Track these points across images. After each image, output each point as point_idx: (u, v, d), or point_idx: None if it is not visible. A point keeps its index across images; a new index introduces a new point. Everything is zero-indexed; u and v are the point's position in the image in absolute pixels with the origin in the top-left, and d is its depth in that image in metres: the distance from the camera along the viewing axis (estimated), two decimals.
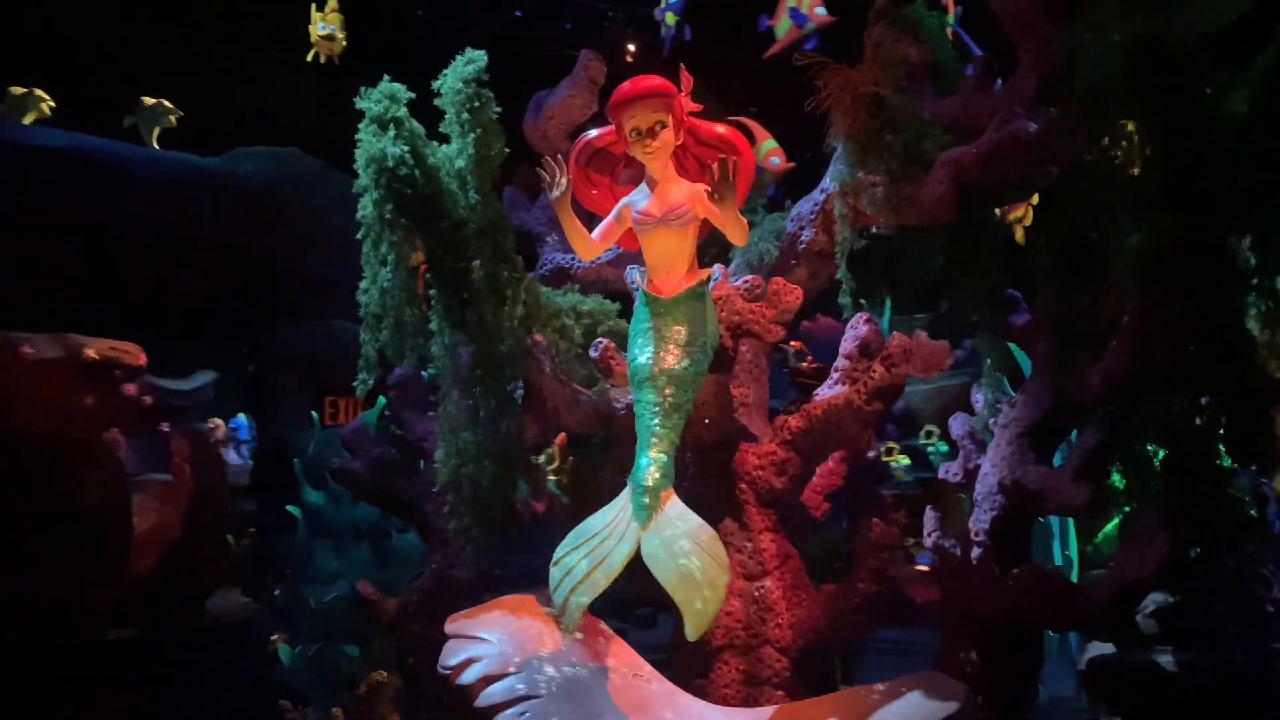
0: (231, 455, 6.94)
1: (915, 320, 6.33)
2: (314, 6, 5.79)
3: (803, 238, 4.27)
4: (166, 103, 7.46)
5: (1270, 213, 3.10)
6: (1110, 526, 4.84)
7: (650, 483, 3.26)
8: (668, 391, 3.39)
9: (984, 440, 3.89)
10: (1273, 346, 3.15)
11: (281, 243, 6.91)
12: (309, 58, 5.76)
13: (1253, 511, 3.64)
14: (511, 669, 3.40)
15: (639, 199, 3.58)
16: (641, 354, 3.47)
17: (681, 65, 3.64)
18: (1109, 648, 3.93)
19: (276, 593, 5.08)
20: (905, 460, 6.94)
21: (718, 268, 4.09)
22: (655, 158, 3.50)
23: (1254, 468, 3.38)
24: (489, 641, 3.50)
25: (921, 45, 4.13)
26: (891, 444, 7.02)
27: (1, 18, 6.82)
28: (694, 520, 3.22)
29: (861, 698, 3.23)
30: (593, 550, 3.26)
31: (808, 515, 4.18)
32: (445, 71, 4.13)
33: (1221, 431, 3.08)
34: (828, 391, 3.87)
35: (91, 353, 6.01)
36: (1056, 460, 3.69)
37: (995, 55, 4.05)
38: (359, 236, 3.99)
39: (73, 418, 5.81)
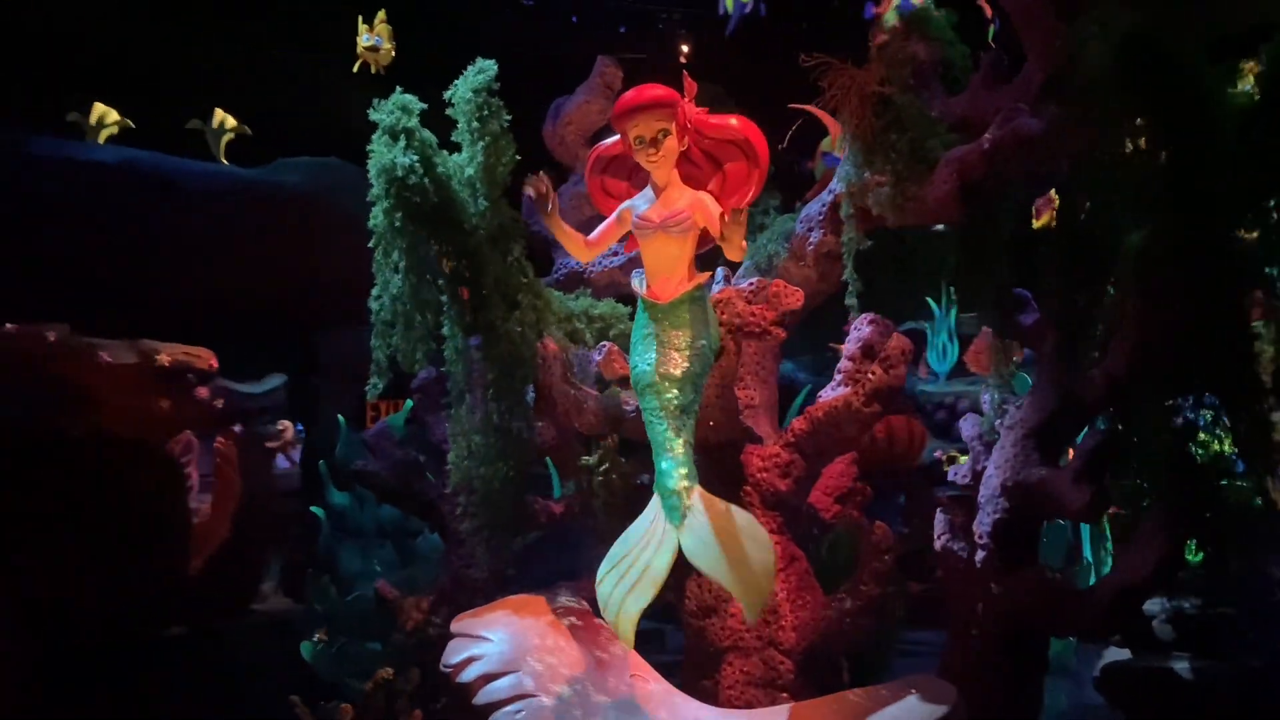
0: (280, 460, 7.13)
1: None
2: (360, 19, 5.93)
3: (811, 239, 4.26)
4: (231, 119, 7.71)
5: (1275, 208, 3.02)
6: None
7: (676, 485, 3.29)
8: (670, 395, 3.42)
9: (992, 442, 3.84)
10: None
11: (323, 250, 7.08)
12: (355, 69, 5.90)
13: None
14: (510, 668, 3.48)
15: (641, 203, 3.61)
16: (642, 360, 3.50)
17: (685, 73, 3.66)
18: (1125, 654, 3.87)
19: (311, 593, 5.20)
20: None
21: (720, 270, 4.12)
22: (658, 166, 3.53)
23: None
24: (490, 640, 3.57)
25: (929, 43, 4.10)
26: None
27: (70, 37, 7.17)
28: (721, 506, 3.23)
29: (854, 701, 3.23)
30: (635, 561, 3.28)
31: (817, 517, 4.17)
32: (457, 81, 4.22)
33: (1221, 432, 3.00)
34: (831, 393, 3.86)
35: (165, 358, 6.26)
36: (1063, 463, 3.63)
37: (1006, 51, 4.02)
38: (370, 245, 4.10)
39: (147, 421, 6.06)
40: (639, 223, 3.56)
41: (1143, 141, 3.04)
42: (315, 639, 4.92)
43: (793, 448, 3.89)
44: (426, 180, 4.03)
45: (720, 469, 3.98)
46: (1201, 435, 3.01)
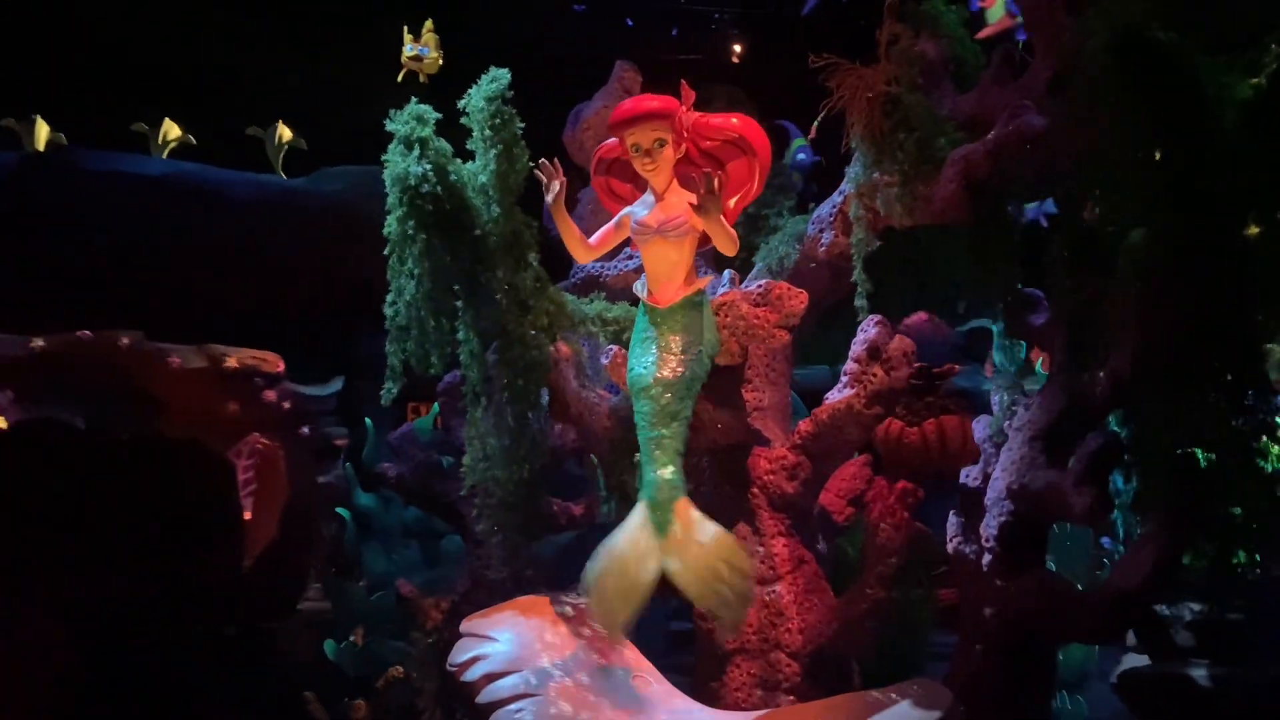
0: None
1: None
2: (405, 29, 6.05)
3: (823, 240, 4.24)
4: (289, 132, 7.92)
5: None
6: None
7: (661, 497, 3.32)
8: (664, 400, 3.44)
9: (1001, 444, 3.78)
10: None
11: (363, 256, 7.23)
12: (400, 78, 6.02)
13: None
14: (514, 668, 3.53)
15: (640, 209, 3.64)
16: (639, 363, 3.53)
17: (683, 81, 3.67)
18: (1144, 659, 3.78)
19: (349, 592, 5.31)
20: None
21: (727, 272, 4.13)
22: (655, 174, 3.55)
23: None
24: (496, 641, 3.63)
25: (939, 41, 4.06)
26: None
27: (128, 53, 7.46)
28: (710, 531, 3.25)
29: (850, 704, 3.21)
30: (623, 572, 3.30)
31: (828, 519, 4.15)
32: (471, 90, 4.29)
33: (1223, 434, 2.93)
34: (837, 395, 3.84)
35: (233, 362, 6.45)
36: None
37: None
38: (385, 252, 4.19)
39: (217, 424, 6.25)
40: (637, 228, 3.58)
41: (1140, 138, 2.97)
42: (353, 638, 5.04)
43: (799, 450, 3.88)
44: (439, 188, 4.11)
45: (728, 471, 4.00)
46: (1204, 438, 2.92)
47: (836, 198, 4.22)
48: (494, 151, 4.21)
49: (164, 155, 7.48)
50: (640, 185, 3.73)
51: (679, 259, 3.55)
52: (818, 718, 3.29)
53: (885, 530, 3.68)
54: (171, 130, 7.62)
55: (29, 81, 7.12)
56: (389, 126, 4.24)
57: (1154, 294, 3.03)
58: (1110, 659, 4.18)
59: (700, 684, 3.93)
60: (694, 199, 3.43)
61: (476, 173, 4.27)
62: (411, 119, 4.23)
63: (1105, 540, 4.77)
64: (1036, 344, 3.82)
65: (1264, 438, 2.95)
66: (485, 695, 3.46)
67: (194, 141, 7.53)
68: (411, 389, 6.77)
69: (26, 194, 6.82)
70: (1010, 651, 3.39)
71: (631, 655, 3.69)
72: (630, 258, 4.95)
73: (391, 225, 4.17)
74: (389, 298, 4.19)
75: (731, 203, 3.63)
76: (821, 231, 4.24)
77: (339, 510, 5.06)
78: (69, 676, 5.05)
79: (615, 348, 3.99)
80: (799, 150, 4.66)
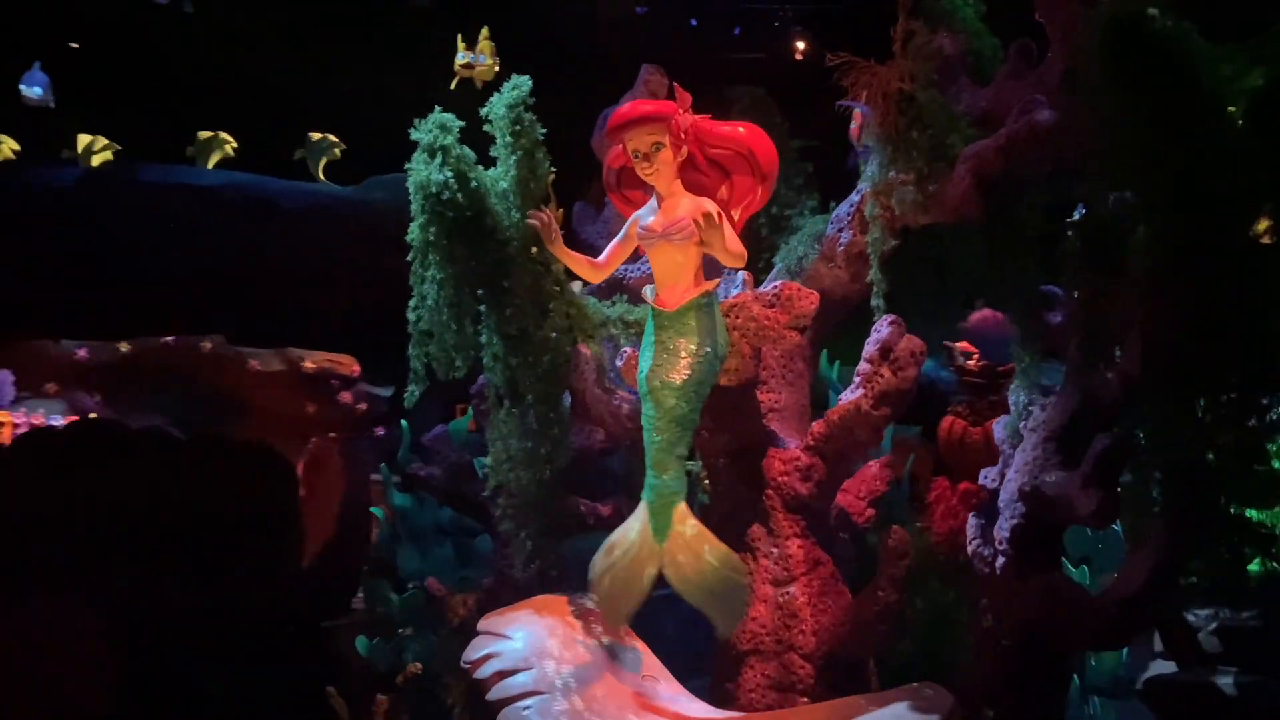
0: None
1: None
2: (459, 37, 6.17)
3: (841, 240, 4.21)
4: (331, 136, 8.13)
5: None
6: None
7: (661, 501, 3.41)
8: (669, 404, 3.48)
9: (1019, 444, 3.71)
10: None
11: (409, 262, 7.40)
12: (453, 86, 6.14)
13: None
14: (525, 666, 3.59)
15: (645, 214, 3.67)
16: (645, 367, 3.57)
17: (676, 84, 3.69)
18: (1171, 666, 3.68)
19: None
20: None
21: (741, 274, 4.13)
22: (654, 178, 3.59)
23: None
24: (509, 639, 3.70)
25: (955, 36, 4.00)
26: None
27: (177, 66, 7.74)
28: (706, 541, 3.37)
29: (849, 706, 3.20)
30: (623, 568, 3.45)
31: (848, 521, 4.12)
32: (492, 98, 4.37)
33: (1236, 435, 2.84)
34: (850, 395, 3.81)
35: (310, 365, 6.68)
36: None
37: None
38: (409, 259, 4.29)
39: (295, 425, 6.47)
40: (642, 233, 3.62)
41: (1138, 132, 2.89)
42: (400, 633, 5.16)
43: (813, 451, 3.87)
44: (460, 195, 4.19)
45: (743, 473, 4.00)
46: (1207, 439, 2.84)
47: (854, 197, 4.19)
48: (514, 158, 4.29)
49: (210, 164, 7.75)
50: (649, 190, 3.77)
51: (685, 262, 3.57)
52: (819, 718, 3.28)
53: (897, 533, 3.64)
54: (212, 142, 7.89)
55: (88, 99, 7.43)
56: (414, 135, 4.34)
57: (1158, 293, 2.94)
58: (1140, 665, 4.08)
59: (716, 685, 3.95)
60: (696, 211, 3.45)
61: (498, 179, 4.35)
62: (435, 127, 4.32)
63: None
64: (1054, 342, 3.72)
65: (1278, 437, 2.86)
66: (496, 692, 3.53)
67: (232, 153, 7.78)
68: (463, 391, 6.92)
69: (88, 206, 7.13)
70: (1021, 657, 3.33)
71: (643, 656, 3.72)
72: None
73: (414, 232, 4.26)
74: (411, 302, 4.29)
75: (735, 214, 3.66)
76: (840, 231, 4.22)
77: (373, 510, 5.18)
78: (143, 671, 5.28)
79: (629, 350, 4.03)
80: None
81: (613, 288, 4.91)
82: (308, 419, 6.27)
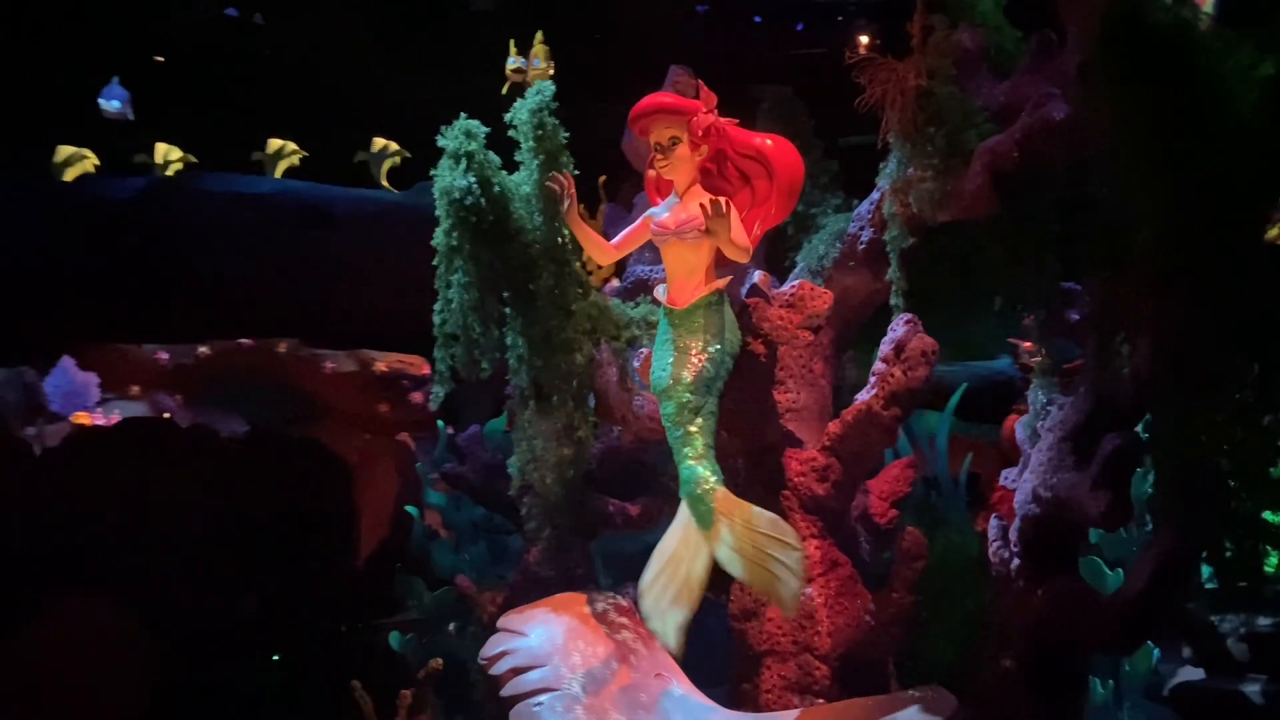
0: None
1: None
2: (512, 42, 6.27)
3: (862, 238, 4.18)
4: (393, 144, 8.32)
5: None
6: None
7: (700, 491, 3.42)
8: (683, 400, 3.51)
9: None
10: None
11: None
12: (504, 91, 6.24)
13: None
14: (539, 663, 3.66)
15: (661, 210, 3.72)
16: (658, 366, 3.61)
17: (701, 82, 3.72)
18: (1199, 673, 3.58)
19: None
20: None
21: (756, 273, 4.12)
22: (669, 172, 3.63)
23: None
24: (526, 636, 3.77)
25: (974, 30, 3.94)
26: None
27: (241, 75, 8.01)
28: (752, 511, 3.34)
29: (852, 710, 3.18)
30: (675, 570, 3.42)
31: (871, 522, 4.08)
32: (517, 103, 4.44)
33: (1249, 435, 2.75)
34: (865, 395, 3.78)
35: (382, 365, 6.89)
36: None
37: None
38: (434, 263, 4.38)
39: (368, 424, 6.66)
40: (655, 229, 3.66)
41: (1141, 125, 2.82)
42: (451, 628, 5.27)
43: (829, 451, 3.85)
44: (483, 200, 4.27)
45: (761, 473, 4.00)
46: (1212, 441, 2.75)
47: (875, 195, 4.15)
48: (536, 162, 4.35)
49: (277, 174, 7.98)
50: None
51: (697, 261, 3.60)
52: None
53: (910, 534, 3.61)
54: (286, 147, 8.12)
55: (161, 108, 7.71)
56: (440, 142, 4.43)
57: (1167, 290, 2.87)
58: (1170, 671, 3.97)
59: (735, 685, 3.96)
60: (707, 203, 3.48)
61: (520, 183, 4.41)
62: (461, 134, 4.41)
63: None
64: (1075, 340, 3.65)
65: None
66: (510, 688, 3.61)
67: (298, 162, 8.00)
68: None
69: (161, 213, 7.40)
70: (1030, 661, 3.27)
71: (658, 655, 3.75)
72: None
73: (438, 237, 4.35)
74: (437, 305, 4.37)
75: (756, 228, 3.67)
76: (861, 229, 4.18)
77: (408, 508, 5.30)
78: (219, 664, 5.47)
79: (646, 350, 4.06)
80: None
81: (638, 288, 4.94)
82: (380, 419, 6.42)
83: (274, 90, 8.14)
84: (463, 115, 4.44)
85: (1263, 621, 3.47)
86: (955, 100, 3.77)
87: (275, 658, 5.92)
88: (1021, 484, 3.47)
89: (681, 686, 3.64)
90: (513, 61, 6.32)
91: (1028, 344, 5.80)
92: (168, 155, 7.97)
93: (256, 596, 5.61)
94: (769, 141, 3.71)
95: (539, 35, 6.25)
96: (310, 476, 6.31)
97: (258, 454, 6.53)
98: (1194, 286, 2.85)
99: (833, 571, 3.86)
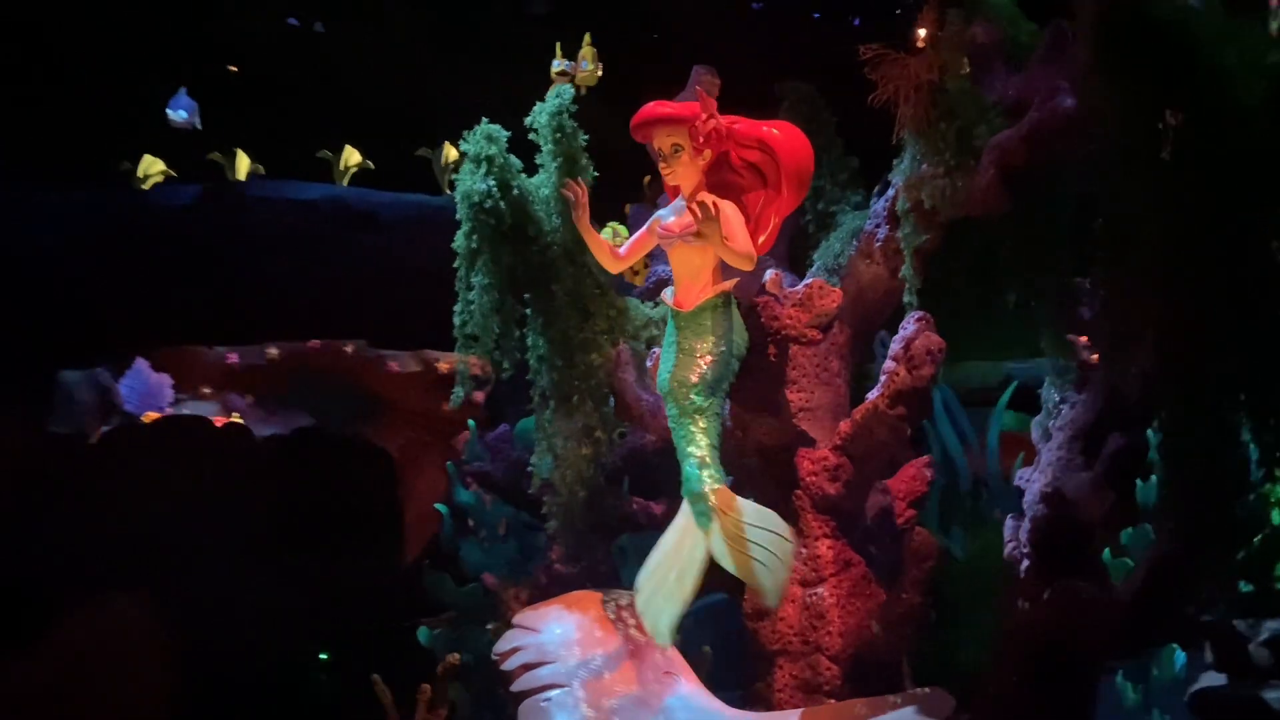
0: None
1: None
2: (558, 45, 6.34)
3: (878, 236, 4.14)
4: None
5: None
6: None
7: (701, 489, 3.44)
8: (685, 401, 3.54)
9: None
10: None
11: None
12: (549, 93, 6.32)
13: None
14: (548, 659, 3.71)
15: (667, 213, 3.73)
16: (664, 368, 3.63)
17: (699, 88, 3.72)
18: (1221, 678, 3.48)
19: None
20: None
21: (769, 271, 4.11)
22: (674, 179, 3.65)
23: None
24: (538, 633, 3.82)
25: (988, 23, 3.87)
26: None
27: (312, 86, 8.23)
28: (744, 504, 3.37)
29: (851, 709, 3.17)
30: (671, 566, 3.46)
31: (889, 522, 4.05)
32: (537, 106, 4.50)
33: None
34: (874, 394, 3.75)
35: (444, 365, 7.06)
36: None
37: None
38: (455, 265, 4.46)
39: (431, 423, 6.83)
40: (661, 232, 3.68)
41: (1141, 119, 2.76)
42: (490, 627, 5.36)
43: (840, 451, 3.83)
44: (502, 203, 4.33)
45: (774, 473, 3.99)
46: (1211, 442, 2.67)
47: (891, 191, 4.11)
48: (555, 164, 4.41)
49: (344, 181, 8.20)
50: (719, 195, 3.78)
51: (702, 264, 3.61)
52: None
53: (920, 534, 3.57)
54: (351, 156, 8.33)
55: (233, 117, 7.96)
56: (462, 146, 4.51)
57: (1171, 288, 2.80)
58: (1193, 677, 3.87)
59: (747, 685, 3.97)
60: (717, 203, 3.48)
61: (540, 186, 4.47)
62: (482, 139, 4.48)
63: None
64: (1086, 338, 3.58)
65: None
66: (519, 684, 3.67)
67: (371, 165, 8.19)
68: None
69: (230, 219, 7.64)
70: (1038, 664, 3.22)
71: (667, 654, 3.77)
72: None
73: (459, 239, 4.43)
74: (457, 307, 4.45)
75: (771, 220, 3.66)
76: (877, 227, 4.15)
77: (437, 506, 5.39)
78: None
79: (657, 351, 4.07)
80: None
81: (658, 288, 4.96)
82: (444, 418, 6.55)
83: (335, 96, 8.36)
84: (484, 120, 4.53)
85: None
86: (967, 95, 3.72)
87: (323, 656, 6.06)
88: (1030, 483, 3.42)
89: (689, 685, 3.66)
90: (557, 64, 6.39)
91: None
92: (237, 163, 8.25)
93: (308, 591, 5.78)
94: (775, 130, 3.68)
95: (587, 37, 6.32)
96: (362, 474, 6.45)
97: (319, 452, 6.73)
98: (1199, 284, 2.77)
99: (845, 571, 3.84)
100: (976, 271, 4.09)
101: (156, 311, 7.58)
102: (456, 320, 4.46)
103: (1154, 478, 3.30)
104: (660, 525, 4.73)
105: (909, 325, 3.73)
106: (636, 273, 5.15)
